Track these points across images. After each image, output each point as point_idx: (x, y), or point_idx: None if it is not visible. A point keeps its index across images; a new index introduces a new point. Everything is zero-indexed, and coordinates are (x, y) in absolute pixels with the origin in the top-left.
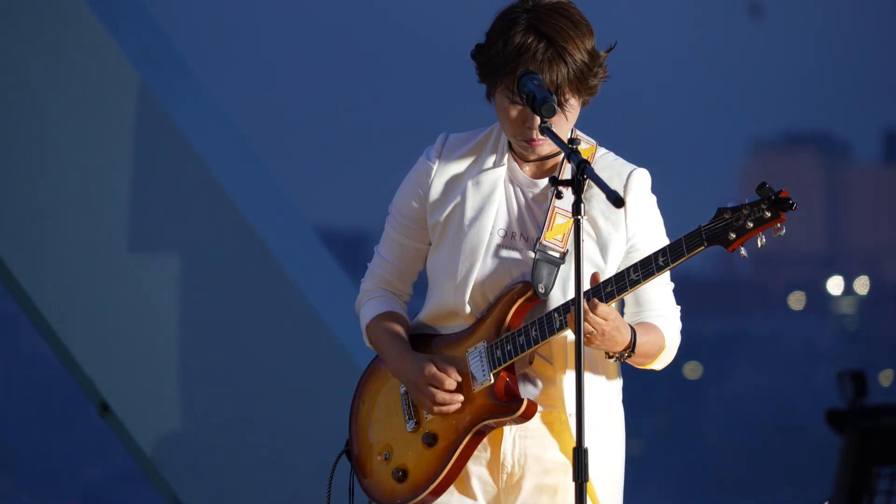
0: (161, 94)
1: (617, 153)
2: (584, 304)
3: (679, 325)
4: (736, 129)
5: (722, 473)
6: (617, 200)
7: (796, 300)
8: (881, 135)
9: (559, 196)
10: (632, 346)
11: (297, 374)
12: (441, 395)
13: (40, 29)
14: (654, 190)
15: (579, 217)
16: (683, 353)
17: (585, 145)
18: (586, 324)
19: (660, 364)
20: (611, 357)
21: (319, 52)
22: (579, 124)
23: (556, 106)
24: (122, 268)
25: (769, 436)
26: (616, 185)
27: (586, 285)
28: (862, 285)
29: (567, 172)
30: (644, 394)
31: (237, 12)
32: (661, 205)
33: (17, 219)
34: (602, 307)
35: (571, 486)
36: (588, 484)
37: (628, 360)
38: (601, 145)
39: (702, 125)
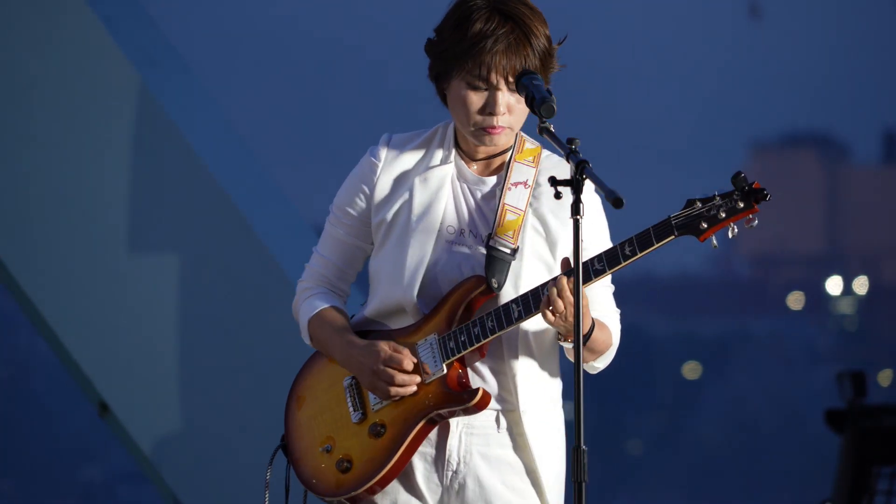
0: (161, 94)
1: (616, 153)
2: (559, 282)
3: (619, 327)
4: (735, 129)
5: (721, 473)
6: (616, 201)
7: (795, 300)
8: (881, 135)
9: (558, 196)
10: (588, 336)
11: (295, 374)
12: (401, 376)
13: (40, 29)
14: (654, 189)
15: (578, 217)
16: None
17: (531, 146)
18: (559, 301)
19: (601, 363)
20: (564, 340)
21: (319, 51)
22: (573, 125)
23: (554, 106)
24: (121, 268)
25: (768, 436)
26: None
27: (580, 278)
28: (861, 285)
29: (514, 172)
30: (643, 394)
31: (237, 12)
32: (662, 204)
33: (16, 219)
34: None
35: (516, 485)
36: (537, 477)
37: (571, 351)
38: (599, 145)
39: (701, 125)
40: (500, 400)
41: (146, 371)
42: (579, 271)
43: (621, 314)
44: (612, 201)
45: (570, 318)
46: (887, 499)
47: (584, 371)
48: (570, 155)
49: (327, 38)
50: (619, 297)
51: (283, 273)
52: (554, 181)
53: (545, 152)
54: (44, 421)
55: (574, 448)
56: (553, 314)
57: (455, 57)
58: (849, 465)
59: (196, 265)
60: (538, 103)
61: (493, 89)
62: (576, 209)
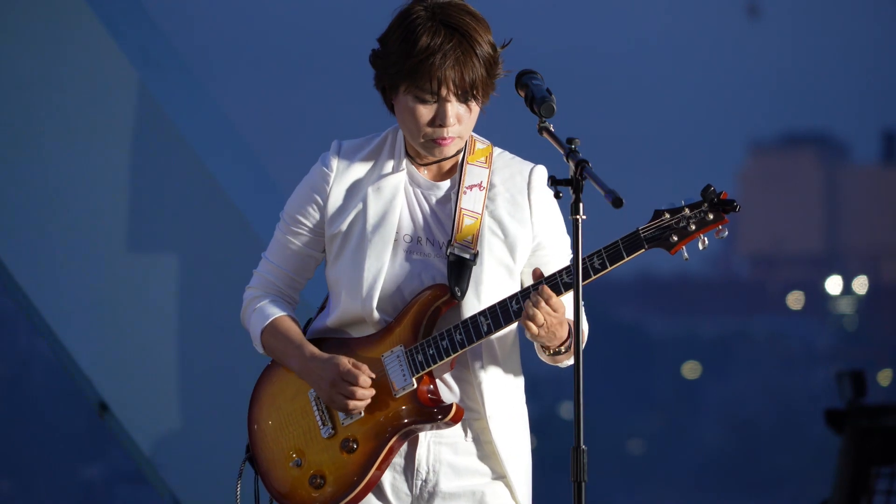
0: (160, 94)
1: (616, 153)
2: (536, 293)
3: (587, 324)
4: (734, 129)
5: (721, 473)
6: (616, 201)
7: (795, 300)
8: (880, 135)
9: (558, 196)
10: (567, 343)
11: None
12: (360, 392)
13: (40, 29)
14: (654, 189)
15: (577, 217)
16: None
17: (481, 145)
18: (538, 314)
19: (568, 362)
20: (545, 352)
21: (319, 51)
22: (572, 120)
23: (554, 106)
24: (121, 268)
25: (768, 435)
26: (518, 183)
27: (580, 277)
28: (860, 285)
29: (468, 174)
30: (643, 394)
31: (237, 12)
32: (660, 205)
33: (15, 219)
34: (555, 299)
35: (485, 492)
36: (507, 481)
37: (547, 359)
38: (598, 145)
39: (700, 126)
40: (466, 409)
41: (146, 371)
42: (579, 271)
43: (621, 314)
44: (612, 201)
45: (552, 327)
46: (887, 499)
47: (581, 371)
48: (569, 154)
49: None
50: (619, 297)
51: None
52: (554, 181)
53: (496, 150)
54: (44, 421)
55: (574, 448)
56: (536, 326)
57: (402, 72)
58: (848, 464)
59: (196, 265)
60: (538, 103)
61: (442, 101)
62: (576, 209)
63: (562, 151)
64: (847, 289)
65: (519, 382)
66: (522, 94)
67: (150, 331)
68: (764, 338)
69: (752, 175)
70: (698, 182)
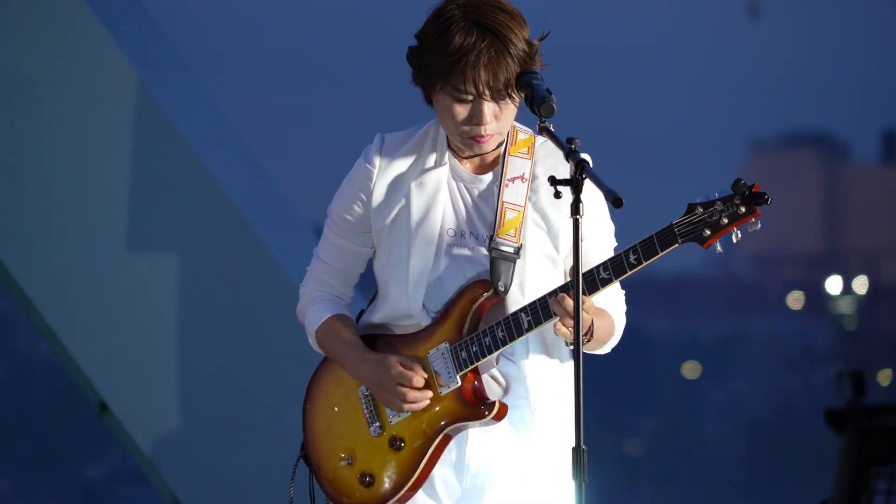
0: (160, 94)
1: (616, 153)
2: (566, 295)
3: (625, 307)
4: (735, 128)
5: (720, 473)
6: (616, 201)
7: (795, 300)
8: (880, 135)
9: (557, 196)
10: (590, 334)
11: (295, 375)
12: (412, 394)
13: (40, 29)
14: (654, 190)
15: (577, 217)
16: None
17: (524, 136)
18: (568, 313)
19: (606, 349)
20: (569, 344)
21: (319, 51)
22: (573, 120)
23: (554, 105)
24: (120, 268)
25: (768, 436)
26: (562, 173)
27: (580, 277)
28: (861, 285)
29: (510, 166)
30: (643, 394)
31: (236, 12)
32: (660, 204)
33: (15, 219)
34: (585, 299)
35: (536, 485)
36: (559, 476)
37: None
38: (599, 144)
39: (700, 125)
40: (515, 403)
41: (146, 371)
42: (579, 271)
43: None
44: (612, 201)
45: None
46: (887, 499)
47: (581, 371)
48: (569, 154)
49: (327, 38)
50: None
51: (283, 273)
52: (553, 181)
53: (539, 139)
54: (44, 421)
55: (574, 448)
56: (566, 328)
57: (437, 72)
58: (848, 464)
59: (196, 265)
60: (538, 103)
61: (478, 99)
62: (575, 209)
63: (562, 151)
64: (847, 289)
65: (568, 371)
66: (522, 94)
67: (150, 331)
68: (764, 338)
69: (753, 175)
70: (698, 182)
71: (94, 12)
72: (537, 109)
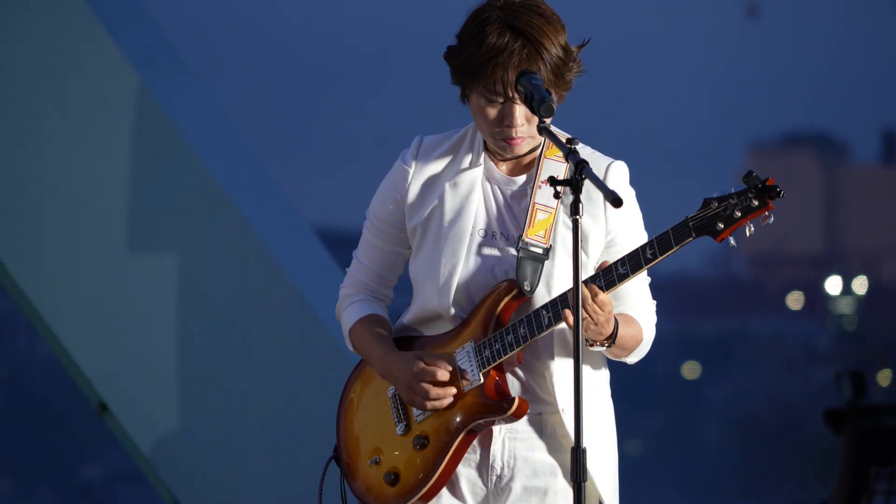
0: (160, 94)
1: (615, 153)
2: (583, 290)
3: (654, 319)
4: (734, 128)
5: (720, 473)
6: (615, 201)
7: (794, 300)
8: (879, 135)
9: (557, 196)
10: (613, 337)
11: (295, 375)
12: (435, 391)
13: (40, 29)
14: (654, 190)
15: (577, 217)
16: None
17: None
18: (584, 311)
19: (634, 357)
20: (590, 345)
21: (319, 51)
22: (573, 121)
23: (553, 106)
24: (120, 268)
25: (767, 436)
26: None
27: (580, 277)
28: (860, 285)
29: (545, 168)
30: (642, 394)
31: (237, 12)
32: (660, 204)
33: (15, 219)
34: (602, 296)
35: (560, 488)
36: (590, 482)
37: (604, 351)
38: (598, 145)
39: (700, 125)
40: (541, 402)
41: (146, 371)
42: (578, 271)
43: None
44: (611, 201)
45: (600, 324)
46: (887, 499)
47: (581, 371)
48: (569, 155)
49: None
50: None
51: (283, 273)
52: (553, 181)
53: (577, 144)
54: (44, 421)
55: (574, 448)
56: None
57: (470, 72)
58: (848, 465)
59: (195, 265)
60: (537, 103)
61: (508, 102)
62: (575, 209)
63: (562, 152)
64: (847, 289)
65: (600, 376)
66: (522, 94)
67: (150, 331)
68: (764, 338)
69: None
70: (698, 182)
71: (94, 13)
72: (537, 109)
